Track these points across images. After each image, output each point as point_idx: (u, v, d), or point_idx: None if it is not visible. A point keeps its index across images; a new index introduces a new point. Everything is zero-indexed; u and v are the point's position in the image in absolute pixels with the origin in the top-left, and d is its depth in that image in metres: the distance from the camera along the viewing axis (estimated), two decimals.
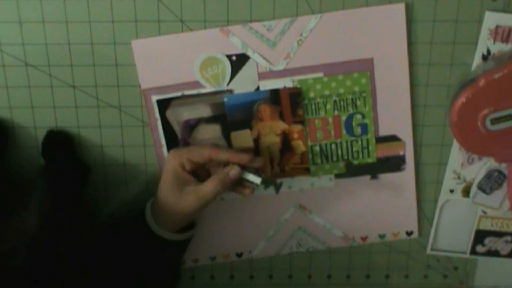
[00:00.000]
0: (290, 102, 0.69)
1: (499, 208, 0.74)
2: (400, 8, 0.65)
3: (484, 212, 0.74)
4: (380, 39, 0.67)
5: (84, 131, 0.70)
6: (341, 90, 0.69)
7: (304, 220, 0.75)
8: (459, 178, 0.72)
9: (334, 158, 0.72)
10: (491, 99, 0.64)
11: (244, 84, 0.68)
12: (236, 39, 0.66)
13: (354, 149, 0.71)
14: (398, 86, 0.69)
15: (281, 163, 0.71)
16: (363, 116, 0.70)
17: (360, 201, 0.74)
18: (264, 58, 0.67)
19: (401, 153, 0.72)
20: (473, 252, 0.76)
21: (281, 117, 0.69)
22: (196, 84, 0.68)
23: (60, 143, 0.69)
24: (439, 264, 0.78)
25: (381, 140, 0.71)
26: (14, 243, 0.61)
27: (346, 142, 0.71)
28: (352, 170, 0.72)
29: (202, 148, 0.64)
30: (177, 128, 0.70)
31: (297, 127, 0.70)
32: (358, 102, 0.69)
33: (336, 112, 0.70)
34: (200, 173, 0.66)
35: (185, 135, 0.70)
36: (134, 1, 0.65)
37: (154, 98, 0.68)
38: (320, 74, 0.68)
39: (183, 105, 0.69)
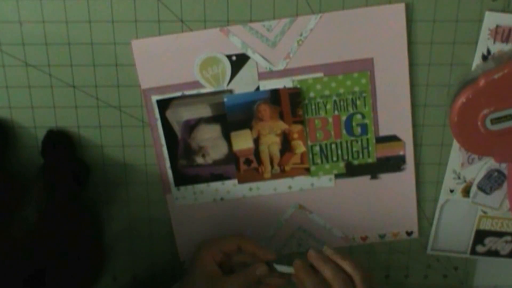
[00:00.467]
0: (290, 102, 0.69)
1: (499, 208, 0.74)
2: (400, 8, 0.65)
3: (484, 212, 0.74)
4: (380, 39, 0.67)
5: (84, 131, 0.70)
6: (341, 90, 0.69)
7: (304, 220, 0.75)
8: (459, 178, 0.72)
9: (334, 158, 0.72)
10: (491, 99, 0.64)
11: (244, 84, 0.68)
12: (236, 39, 0.66)
13: (354, 149, 0.71)
14: (398, 86, 0.69)
15: (281, 163, 0.71)
16: (363, 116, 0.70)
17: (360, 201, 0.74)
18: (264, 58, 0.67)
19: (401, 153, 0.72)
20: (473, 252, 0.76)
21: (281, 117, 0.69)
22: (196, 84, 0.68)
23: (60, 143, 0.69)
24: (439, 264, 0.78)
25: (381, 140, 0.71)
26: (13, 243, 0.61)
27: (346, 142, 0.71)
28: (352, 170, 0.72)
29: (233, 238, 0.68)
30: (177, 128, 0.70)
31: (297, 127, 0.70)
32: (358, 102, 0.69)
33: (336, 112, 0.70)
34: (224, 266, 0.68)
35: (185, 135, 0.70)
36: (134, 1, 0.65)
37: (154, 98, 0.68)
38: (320, 74, 0.68)
39: (183, 105, 0.69)
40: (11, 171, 0.70)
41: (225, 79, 0.68)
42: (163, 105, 0.69)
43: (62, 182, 0.66)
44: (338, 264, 0.64)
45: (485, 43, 0.66)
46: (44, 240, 0.62)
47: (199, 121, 0.70)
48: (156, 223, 0.75)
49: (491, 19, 0.65)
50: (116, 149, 0.71)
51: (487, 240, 0.76)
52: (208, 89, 0.68)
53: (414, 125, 0.71)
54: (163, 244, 0.76)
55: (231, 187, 0.73)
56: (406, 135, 0.71)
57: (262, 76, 0.68)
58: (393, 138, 0.71)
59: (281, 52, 0.67)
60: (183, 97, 0.69)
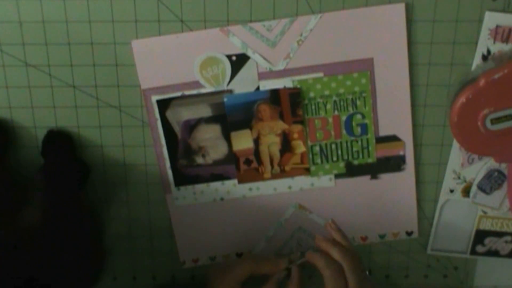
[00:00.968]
0: (290, 102, 0.69)
1: (499, 208, 0.74)
2: (400, 8, 0.65)
3: (484, 212, 0.74)
4: (380, 39, 0.67)
5: (84, 131, 0.70)
6: (341, 90, 0.69)
7: (304, 220, 0.75)
8: (459, 178, 0.72)
9: (334, 158, 0.72)
10: (491, 99, 0.64)
11: (244, 84, 0.68)
12: (236, 39, 0.66)
13: (354, 149, 0.71)
14: (398, 86, 0.69)
15: (281, 163, 0.71)
16: (363, 116, 0.70)
17: (360, 201, 0.74)
18: (264, 58, 0.67)
19: (401, 153, 0.72)
20: (473, 252, 0.76)
21: (281, 117, 0.69)
22: (196, 84, 0.68)
23: (60, 143, 0.69)
24: (439, 264, 0.78)
25: (381, 140, 0.71)
26: (13, 242, 0.61)
27: (346, 142, 0.71)
28: (352, 170, 0.72)
29: (244, 265, 0.67)
30: (177, 128, 0.70)
31: (297, 127, 0.70)
32: (358, 102, 0.69)
33: (336, 112, 0.70)
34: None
35: (185, 135, 0.70)
36: (134, 1, 0.65)
37: (154, 98, 0.68)
38: (320, 74, 0.68)
39: (183, 105, 0.69)
40: (11, 171, 0.70)
41: (225, 79, 0.68)
42: (163, 105, 0.69)
43: (62, 182, 0.66)
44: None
45: (485, 43, 0.66)
46: (44, 240, 0.62)
47: (199, 121, 0.70)
48: (156, 223, 0.75)
49: (491, 19, 0.65)
50: (116, 149, 0.71)
51: (487, 240, 0.76)
52: (208, 89, 0.68)
53: (414, 125, 0.71)
54: (163, 244, 0.76)
55: (231, 187, 0.73)
56: (406, 135, 0.71)
57: (262, 76, 0.68)
58: (393, 138, 0.71)
59: (281, 52, 0.67)
60: (183, 97, 0.68)
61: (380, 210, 0.74)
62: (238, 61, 0.67)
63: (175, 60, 0.67)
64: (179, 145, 0.70)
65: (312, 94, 0.69)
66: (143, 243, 0.76)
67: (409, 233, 0.76)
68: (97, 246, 0.73)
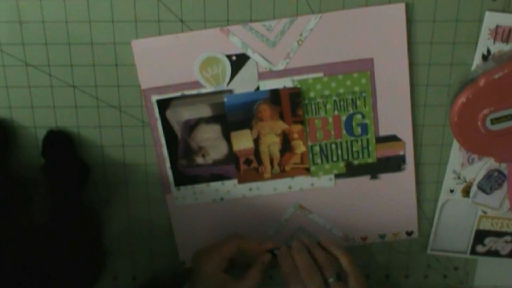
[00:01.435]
0: (290, 102, 0.69)
1: (499, 208, 0.74)
2: (400, 8, 0.65)
3: (484, 212, 0.74)
4: (380, 39, 0.67)
5: (84, 131, 0.70)
6: (341, 90, 0.69)
7: (304, 220, 0.75)
8: (459, 178, 0.72)
9: (334, 158, 0.72)
10: (491, 99, 0.63)
11: (244, 84, 0.68)
12: (236, 39, 0.66)
13: (354, 149, 0.71)
14: (398, 86, 0.69)
15: (281, 163, 0.71)
16: (363, 116, 0.70)
17: (360, 201, 0.74)
18: (264, 58, 0.67)
19: (401, 153, 0.72)
20: (473, 252, 0.76)
21: (281, 117, 0.69)
22: (196, 84, 0.68)
23: (60, 143, 0.69)
24: (439, 264, 0.78)
25: (381, 140, 0.71)
26: (13, 242, 0.61)
27: (346, 142, 0.71)
28: (352, 170, 0.72)
29: (230, 242, 0.68)
30: (177, 128, 0.70)
31: (297, 127, 0.70)
32: (358, 102, 0.69)
33: (336, 112, 0.70)
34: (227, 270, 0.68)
35: (185, 135, 0.70)
36: (134, 1, 0.65)
37: (154, 98, 0.68)
38: (320, 74, 0.68)
39: (183, 105, 0.69)
40: (11, 171, 0.70)
41: (225, 79, 0.68)
42: (163, 105, 0.69)
43: (62, 182, 0.66)
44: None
45: (485, 43, 0.66)
46: (44, 240, 0.62)
47: (199, 121, 0.70)
48: (156, 223, 0.75)
49: (491, 19, 0.65)
50: (116, 149, 0.71)
51: (487, 240, 0.76)
52: (208, 89, 0.68)
53: (414, 125, 0.71)
54: (163, 244, 0.76)
55: (231, 187, 0.73)
56: (406, 135, 0.71)
57: (262, 76, 0.68)
58: (393, 138, 0.71)
59: (281, 52, 0.67)
60: (183, 97, 0.68)
61: (380, 210, 0.74)
62: (238, 61, 0.67)
63: (175, 60, 0.67)
64: (179, 145, 0.70)
65: (312, 94, 0.69)
66: (143, 243, 0.76)
67: (409, 233, 0.76)
68: (97, 246, 0.73)
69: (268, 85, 0.68)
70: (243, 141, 0.70)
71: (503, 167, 0.71)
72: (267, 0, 0.65)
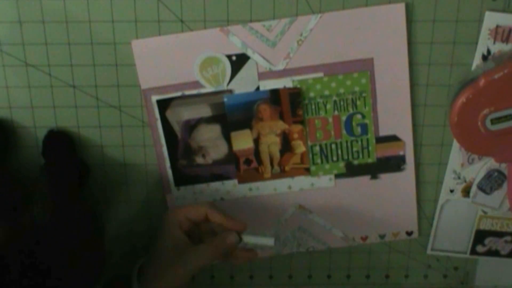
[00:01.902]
0: (290, 102, 0.69)
1: (499, 208, 0.74)
2: (400, 8, 0.65)
3: (484, 212, 0.74)
4: (381, 39, 0.67)
5: (84, 131, 0.70)
6: (341, 90, 0.69)
7: (304, 220, 0.75)
8: (459, 178, 0.72)
9: (334, 158, 0.72)
10: (491, 99, 0.64)
11: (244, 84, 0.68)
12: (236, 39, 0.66)
13: (354, 149, 0.71)
14: (398, 86, 0.69)
15: (281, 163, 0.71)
16: (363, 116, 0.70)
17: (360, 201, 0.74)
18: (264, 58, 0.67)
19: (401, 153, 0.72)
20: (473, 252, 0.76)
21: (281, 117, 0.69)
22: (196, 84, 0.68)
23: (60, 143, 0.69)
24: (439, 264, 0.78)
25: (381, 140, 0.71)
26: (14, 243, 0.61)
27: (346, 142, 0.71)
28: (352, 170, 0.72)
29: (201, 206, 0.65)
30: (177, 128, 0.70)
31: (297, 127, 0.70)
32: (358, 102, 0.69)
33: (336, 112, 0.70)
34: (193, 235, 0.65)
35: (185, 135, 0.70)
36: (134, 1, 0.65)
37: (154, 98, 0.68)
38: (320, 74, 0.68)
39: (183, 105, 0.69)
40: (12, 171, 0.70)
41: (225, 79, 0.68)
42: (163, 105, 0.69)
43: (62, 182, 0.66)
44: None
45: (485, 43, 0.66)
46: (44, 240, 0.62)
47: (199, 121, 0.70)
48: (156, 223, 0.75)
49: (491, 19, 0.65)
50: (116, 149, 0.71)
51: (487, 240, 0.76)
52: (208, 89, 0.68)
53: (414, 125, 0.71)
54: None
55: (231, 187, 0.73)
56: (406, 135, 0.71)
57: (262, 76, 0.68)
58: (393, 138, 0.71)
59: (281, 52, 0.67)
60: (183, 97, 0.68)
61: (380, 210, 0.74)
62: (238, 61, 0.67)
63: (175, 60, 0.67)
64: (179, 145, 0.70)
65: (312, 94, 0.69)
66: (143, 243, 0.76)
67: (409, 233, 0.76)
68: (97, 246, 0.73)
69: (268, 85, 0.68)
70: (243, 141, 0.70)
71: (503, 167, 0.71)
72: (267, 0, 0.65)
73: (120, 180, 0.73)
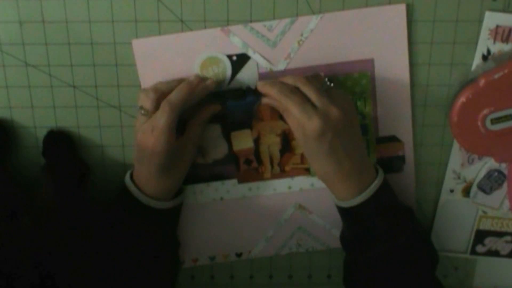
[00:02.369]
0: None
1: (499, 208, 0.74)
2: (401, 8, 0.65)
3: (484, 212, 0.74)
4: (381, 40, 0.67)
5: (84, 131, 0.70)
6: (342, 91, 0.69)
7: (304, 220, 0.75)
8: (459, 178, 0.72)
9: None
10: (491, 99, 0.64)
11: (245, 84, 0.68)
12: (237, 39, 0.66)
13: None
14: (399, 86, 0.69)
15: (281, 163, 0.71)
16: (363, 117, 0.70)
17: None
18: (264, 58, 0.67)
19: (401, 153, 0.72)
20: (473, 252, 0.77)
21: (281, 117, 0.69)
22: None
23: (61, 143, 0.69)
24: (439, 264, 0.78)
25: (381, 140, 0.71)
26: (14, 243, 0.61)
27: None
28: None
29: (182, 90, 0.62)
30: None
31: None
32: (359, 103, 0.69)
33: None
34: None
35: None
36: (134, 1, 0.65)
37: None
38: (321, 75, 0.68)
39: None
40: (12, 171, 0.70)
41: (226, 79, 0.68)
42: None
43: (62, 182, 0.66)
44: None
45: (485, 43, 0.67)
46: (44, 240, 0.62)
47: None
48: None
49: (491, 19, 0.66)
50: (116, 149, 0.71)
51: (487, 240, 0.76)
52: None
53: (414, 125, 0.71)
54: None
55: (231, 187, 0.73)
56: (406, 135, 0.71)
57: (263, 76, 0.68)
58: (393, 139, 0.71)
59: (281, 52, 0.67)
60: None
61: None
62: (239, 61, 0.67)
63: (176, 60, 0.67)
64: None
65: None
66: None
67: None
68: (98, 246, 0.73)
69: None
70: (243, 141, 0.70)
71: (503, 167, 0.71)
72: (267, 0, 0.65)
73: (120, 180, 0.72)
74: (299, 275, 0.78)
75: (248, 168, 0.72)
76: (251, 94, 0.66)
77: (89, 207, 0.72)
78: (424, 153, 0.72)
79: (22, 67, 0.67)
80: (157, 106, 0.61)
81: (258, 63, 0.67)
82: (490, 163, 0.71)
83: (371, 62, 0.67)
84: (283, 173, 0.72)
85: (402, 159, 0.72)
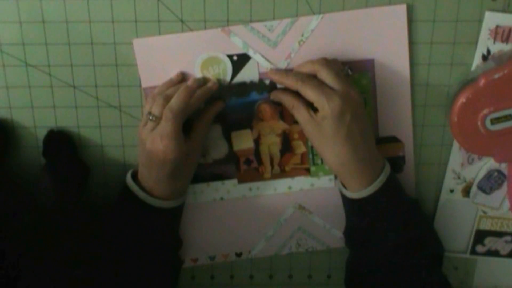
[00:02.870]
0: None
1: (499, 208, 0.74)
2: (402, 9, 0.65)
3: (484, 212, 0.74)
4: (382, 40, 0.67)
5: (84, 131, 0.70)
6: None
7: (304, 220, 0.75)
8: (459, 178, 0.73)
9: None
10: (491, 99, 0.64)
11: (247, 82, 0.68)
12: (238, 39, 0.66)
13: None
14: (399, 86, 0.69)
15: (281, 163, 0.71)
16: None
17: None
18: (265, 58, 0.67)
19: (401, 153, 0.72)
20: (473, 252, 0.77)
21: (282, 117, 0.69)
22: None
23: (61, 143, 0.69)
24: None
25: (381, 141, 0.71)
26: (14, 243, 0.61)
27: None
28: None
29: (180, 95, 0.62)
30: None
31: (298, 127, 0.70)
32: None
33: None
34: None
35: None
36: (134, 1, 0.65)
37: None
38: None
39: None
40: (12, 171, 0.70)
41: (226, 79, 0.68)
42: None
43: (63, 182, 0.66)
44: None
45: (485, 43, 0.67)
46: (44, 240, 0.62)
47: None
48: None
49: (491, 19, 0.66)
50: (116, 149, 0.71)
51: (487, 240, 0.76)
52: None
53: (414, 125, 0.71)
54: None
55: (231, 187, 0.73)
56: (406, 135, 0.71)
57: (263, 76, 0.68)
58: (393, 139, 0.71)
59: (282, 52, 0.67)
60: None
61: None
62: (239, 61, 0.67)
63: (177, 60, 0.67)
64: None
65: None
66: None
67: None
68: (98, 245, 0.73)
69: None
70: (243, 141, 0.70)
71: (503, 167, 0.71)
72: (267, 0, 0.65)
73: (120, 180, 0.72)
74: (299, 275, 0.78)
75: (248, 168, 0.72)
76: (254, 90, 0.66)
77: (89, 207, 0.72)
78: (424, 153, 0.72)
79: (22, 67, 0.67)
80: None
81: (258, 63, 0.67)
82: (490, 163, 0.71)
83: (371, 62, 0.68)
84: (283, 173, 0.72)
85: (402, 159, 0.72)
